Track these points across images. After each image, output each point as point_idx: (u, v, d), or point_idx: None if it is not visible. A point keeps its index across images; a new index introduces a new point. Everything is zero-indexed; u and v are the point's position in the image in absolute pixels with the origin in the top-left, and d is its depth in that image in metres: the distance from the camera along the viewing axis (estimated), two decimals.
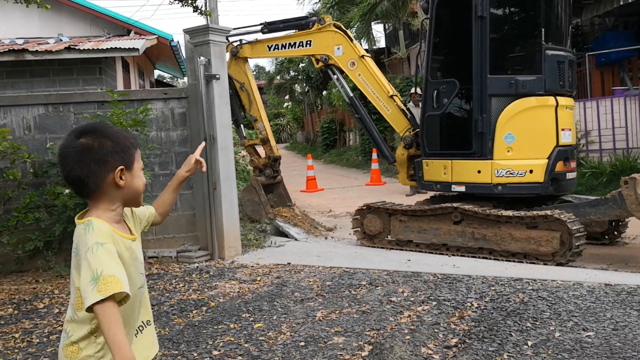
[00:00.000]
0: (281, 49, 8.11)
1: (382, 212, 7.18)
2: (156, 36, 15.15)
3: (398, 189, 13.81)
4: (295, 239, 7.66)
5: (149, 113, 6.18)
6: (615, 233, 7.10)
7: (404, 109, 7.52)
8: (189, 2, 7.91)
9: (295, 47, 7.97)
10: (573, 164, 6.56)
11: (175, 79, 32.25)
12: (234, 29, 8.56)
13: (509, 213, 6.13)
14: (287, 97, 34.62)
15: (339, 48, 7.61)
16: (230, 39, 8.39)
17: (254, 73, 70.61)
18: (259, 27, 8.28)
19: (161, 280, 5.53)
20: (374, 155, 15.35)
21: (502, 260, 6.19)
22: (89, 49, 11.16)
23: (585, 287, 4.73)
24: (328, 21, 7.75)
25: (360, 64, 7.51)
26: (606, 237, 7.13)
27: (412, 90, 12.96)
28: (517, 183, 6.30)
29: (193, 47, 6.62)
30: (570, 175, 6.51)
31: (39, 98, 6.71)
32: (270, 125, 36.72)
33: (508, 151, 6.32)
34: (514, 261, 6.11)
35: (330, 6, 18.29)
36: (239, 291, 5.04)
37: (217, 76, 6.54)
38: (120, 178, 1.68)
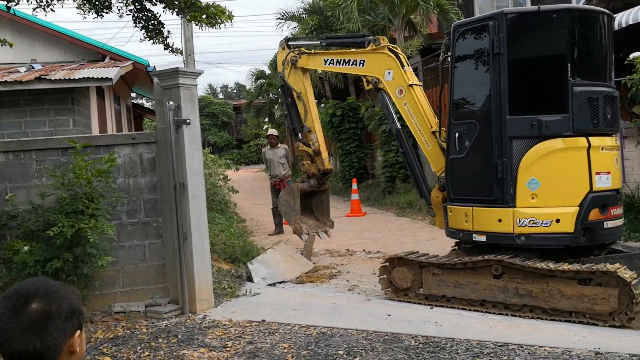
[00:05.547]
0: (336, 64, 7.76)
1: (414, 264, 6.26)
2: (132, 62, 14.76)
3: (380, 220, 13.56)
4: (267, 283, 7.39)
5: (114, 162, 5.85)
6: None
7: (445, 147, 6.71)
8: (160, 40, 7.61)
9: (349, 65, 7.55)
10: (615, 211, 5.76)
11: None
12: (292, 40, 8.31)
13: (563, 267, 5.31)
14: (266, 119, 34.28)
15: (389, 72, 7.01)
16: (293, 47, 8.17)
17: (235, 90, 69.30)
18: (318, 41, 8.12)
19: (125, 346, 5.10)
20: (354, 186, 15.05)
21: (547, 319, 5.39)
22: (60, 79, 10.75)
23: (574, 356, 4.48)
24: (383, 43, 7.18)
25: (407, 92, 6.87)
26: None
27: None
28: (542, 233, 5.56)
29: (162, 90, 6.31)
30: (611, 224, 5.71)
31: None
32: (251, 146, 35.78)
33: (532, 198, 5.61)
34: (560, 320, 5.35)
35: (310, 31, 18.06)
36: None
37: (188, 121, 6.20)
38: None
